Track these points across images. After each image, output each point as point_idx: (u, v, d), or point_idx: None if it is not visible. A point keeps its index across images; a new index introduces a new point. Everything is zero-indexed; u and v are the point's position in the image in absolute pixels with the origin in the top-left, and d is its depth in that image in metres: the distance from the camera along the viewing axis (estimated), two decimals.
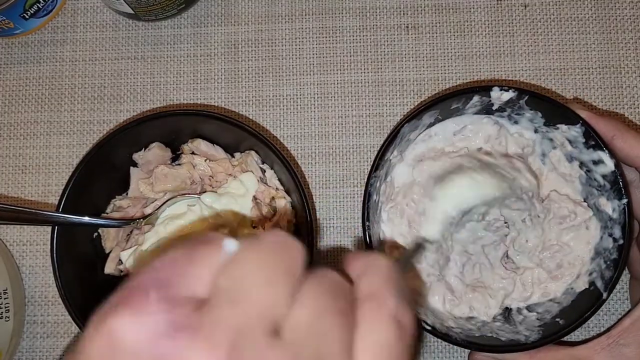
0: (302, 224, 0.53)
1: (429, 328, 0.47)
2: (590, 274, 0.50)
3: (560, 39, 0.61)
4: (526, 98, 0.50)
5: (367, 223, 0.49)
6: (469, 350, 0.52)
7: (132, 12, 0.59)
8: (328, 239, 0.59)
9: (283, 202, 0.54)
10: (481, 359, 0.50)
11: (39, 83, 0.62)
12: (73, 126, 0.62)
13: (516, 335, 0.49)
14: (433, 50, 0.61)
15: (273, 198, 0.55)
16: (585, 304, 0.48)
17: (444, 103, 0.50)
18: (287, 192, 0.55)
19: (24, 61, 0.63)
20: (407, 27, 0.62)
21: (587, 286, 0.50)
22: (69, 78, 0.62)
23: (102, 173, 0.53)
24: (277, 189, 0.55)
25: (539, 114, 0.51)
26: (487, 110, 0.52)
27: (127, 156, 0.55)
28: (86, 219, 0.51)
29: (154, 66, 0.62)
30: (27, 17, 0.60)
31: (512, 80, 0.61)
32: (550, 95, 0.59)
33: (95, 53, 0.63)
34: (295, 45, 0.62)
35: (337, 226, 0.59)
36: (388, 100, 0.61)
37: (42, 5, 0.60)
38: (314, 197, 0.60)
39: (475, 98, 0.51)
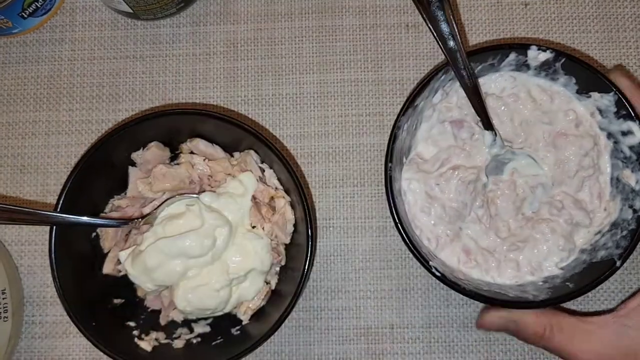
0: (301, 223, 0.52)
1: (438, 274, 0.48)
2: (604, 244, 0.51)
3: (560, 38, 0.61)
4: (563, 60, 0.50)
5: (389, 164, 0.49)
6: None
7: (131, 11, 0.59)
8: (327, 239, 0.59)
9: (282, 202, 0.54)
10: (492, 315, 0.50)
11: (38, 82, 0.62)
12: (72, 126, 0.62)
13: (524, 294, 0.49)
14: (433, 49, 0.61)
15: (272, 198, 0.55)
16: (597, 272, 0.48)
17: (481, 55, 0.50)
18: (287, 191, 0.54)
19: (22, 60, 0.63)
20: (407, 25, 0.62)
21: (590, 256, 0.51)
22: (68, 77, 0.62)
23: (101, 173, 0.53)
24: (276, 188, 0.54)
25: (573, 80, 0.51)
26: (521, 70, 0.53)
27: (125, 156, 0.55)
28: (84, 218, 0.51)
29: (153, 65, 0.62)
30: (25, 16, 0.60)
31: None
32: None
33: (93, 52, 0.62)
34: (295, 44, 0.62)
35: (337, 226, 0.59)
36: (388, 99, 0.61)
37: (40, 4, 0.60)
38: (313, 196, 0.59)
39: (512, 56, 0.51)
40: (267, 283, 0.54)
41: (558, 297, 0.48)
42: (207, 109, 0.60)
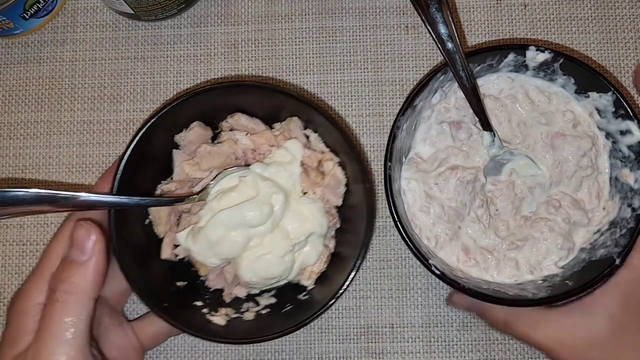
0: (354, 182, 0.52)
1: (438, 273, 0.48)
2: (603, 242, 0.51)
3: (560, 39, 0.61)
4: (561, 61, 0.50)
5: (389, 164, 0.49)
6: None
7: (132, 12, 0.59)
8: None
9: (331, 164, 0.53)
10: (461, 296, 0.51)
11: (39, 83, 0.63)
12: (73, 126, 0.62)
13: (523, 292, 0.49)
14: (433, 49, 0.61)
15: (320, 162, 0.54)
16: (597, 270, 0.48)
17: (479, 56, 0.51)
18: (334, 153, 0.54)
19: (24, 61, 0.63)
20: (407, 26, 0.62)
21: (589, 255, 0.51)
22: (69, 78, 0.63)
23: (147, 159, 0.52)
24: (322, 152, 0.54)
25: (572, 80, 0.52)
26: (519, 71, 0.53)
27: (168, 139, 0.54)
28: (148, 199, 0.50)
29: (154, 66, 0.62)
30: (27, 17, 0.60)
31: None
32: None
33: (95, 53, 0.63)
34: (295, 45, 0.62)
35: None
36: (388, 100, 0.61)
37: (42, 5, 0.60)
38: None
39: (510, 56, 0.51)
40: (326, 247, 0.54)
41: (557, 295, 0.48)
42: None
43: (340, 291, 0.49)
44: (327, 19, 0.62)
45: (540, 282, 0.51)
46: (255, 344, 0.58)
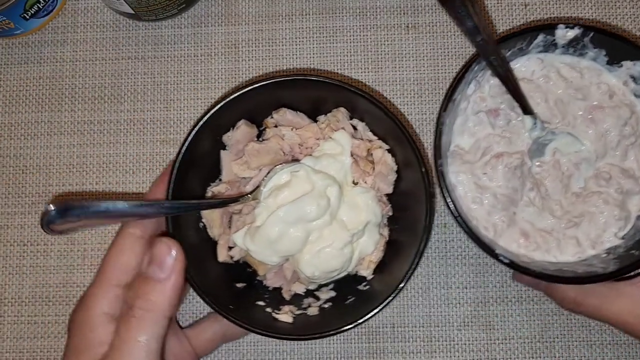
0: (405, 167, 0.52)
1: (507, 262, 0.48)
2: None
3: None
4: (591, 35, 0.51)
5: (439, 161, 0.49)
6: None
7: (133, 12, 0.59)
8: None
9: (380, 152, 0.53)
10: (527, 279, 0.50)
11: (40, 83, 0.63)
12: (73, 126, 0.62)
13: (592, 268, 0.49)
14: (433, 49, 0.61)
15: (369, 150, 0.54)
16: None
17: (510, 42, 0.51)
18: (382, 140, 0.54)
19: (24, 61, 0.63)
20: (407, 26, 0.62)
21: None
22: (70, 78, 0.63)
23: (196, 163, 0.52)
24: (371, 140, 0.54)
25: (603, 52, 0.52)
26: (548, 50, 0.53)
27: (215, 140, 0.54)
28: (205, 202, 0.50)
29: (154, 66, 0.62)
30: (27, 17, 0.60)
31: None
32: None
33: (95, 53, 0.63)
34: (296, 45, 0.62)
35: None
36: (388, 99, 0.61)
37: (42, 5, 0.61)
38: None
39: (540, 37, 0.52)
40: (381, 235, 0.54)
41: (627, 266, 0.48)
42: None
43: (409, 274, 0.48)
44: (327, 19, 0.62)
45: (604, 255, 0.51)
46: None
